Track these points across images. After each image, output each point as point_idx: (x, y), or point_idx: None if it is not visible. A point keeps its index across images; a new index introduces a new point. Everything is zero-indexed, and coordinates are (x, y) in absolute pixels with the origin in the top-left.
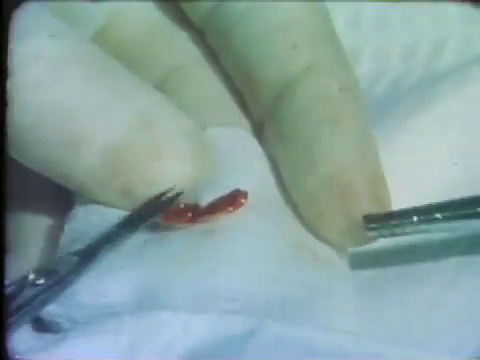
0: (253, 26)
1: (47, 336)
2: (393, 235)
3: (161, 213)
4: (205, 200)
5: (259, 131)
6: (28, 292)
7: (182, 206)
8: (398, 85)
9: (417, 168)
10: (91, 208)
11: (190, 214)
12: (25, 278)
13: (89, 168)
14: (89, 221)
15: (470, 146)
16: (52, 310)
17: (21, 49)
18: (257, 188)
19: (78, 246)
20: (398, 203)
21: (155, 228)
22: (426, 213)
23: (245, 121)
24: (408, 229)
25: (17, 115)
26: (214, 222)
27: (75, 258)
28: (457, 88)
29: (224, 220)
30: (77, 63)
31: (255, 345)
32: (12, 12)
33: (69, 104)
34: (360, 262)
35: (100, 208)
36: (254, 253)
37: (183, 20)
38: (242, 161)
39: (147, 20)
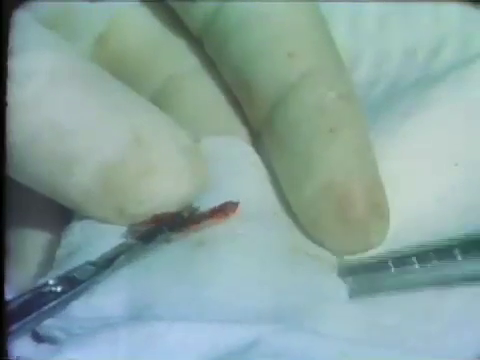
0: (250, 35)
1: (45, 347)
2: (372, 290)
3: (179, 227)
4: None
5: (256, 139)
6: (46, 298)
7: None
8: (397, 87)
9: (416, 172)
10: (88, 223)
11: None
12: (45, 284)
13: (84, 187)
14: (86, 236)
15: (470, 148)
16: (48, 322)
17: (16, 66)
18: (254, 197)
19: (75, 260)
20: (396, 210)
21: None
22: (403, 263)
23: (242, 130)
24: (386, 281)
25: (11, 133)
26: (205, 232)
27: (93, 267)
28: (456, 89)
29: (217, 230)
30: (72, 80)
31: (254, 356)
32: (12, 12)
33: (64, 122)
34: (357, 269)
35: (97, 223)
36: (249, 262)
37: (181, 29)
38: (239, 170)
39: (145, 29)
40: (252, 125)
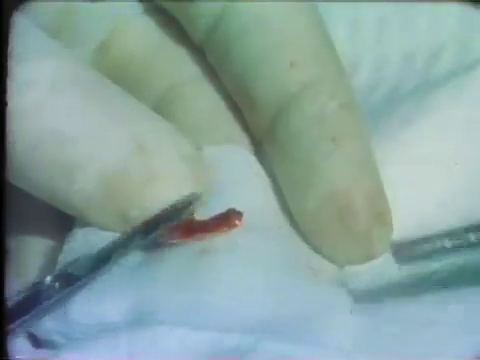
0: (251, 43)
1: (44, 351)
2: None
3: (175, 220)
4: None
5: (258, 149)
6: (44, 295)
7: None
8: (397, 92)
9: (416, 178)
10: (90, 229)
11: (185, 230)
12: (42, 281)
13: (86, 194)
14: (88, 242)
15: (470, 154)
16: (48, 327)
17: (17, 74)
18: (256, 206)
19: (77, 265)
20: (398, 217)
21: (148, 247)
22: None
23: (244, 138)
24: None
25: (14, 140)
26: (208, 241)
27: (90, 262)
28: (456, 96)
29: (219, 239)
30: (74, 88)
31: None
32: (12, 13)
33: (65, 129)
34: (358, 279)
35: (99, 230)
36: (250, 272)
37: (182, 37)
38: (240, 179)
39: (146, 37)
40: (254, 134)
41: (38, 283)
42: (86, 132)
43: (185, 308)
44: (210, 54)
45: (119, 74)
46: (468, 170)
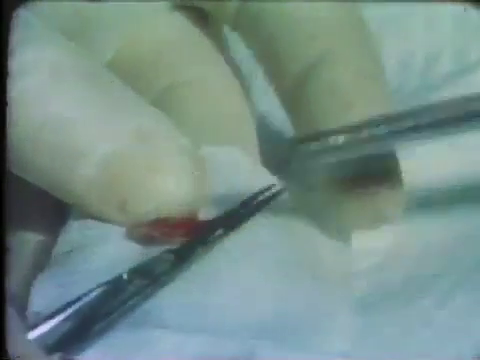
0: (279, 18)
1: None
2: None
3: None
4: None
5: (256, 151)
6: (122, 293)
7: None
8: (395, 96)
9: (415, 181)
10: (86, 222)
11: (185, 229)
12: (119, 278)
13: (87, 179)
14: (84, 235)
15: (469, 158)
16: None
17: (18, 60)
18: None
19: (72, 259)
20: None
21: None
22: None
23: (242, 141)
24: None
25: (14, 125)
26: None
27: (171, 257)
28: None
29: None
30: (74, 75)
31: None
32: (12, 12)
33: (67, 114)
34: (359, 281)
35: (95, 223)
36: (250, 273)
37: (189, 39)
38: (237, 180)
39: (155, 36)
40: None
41: (116, 280)
42: (87, 118)
43: (185, 309)
44: (241, 30)
45: (123, 74)
46: (468, 172)
